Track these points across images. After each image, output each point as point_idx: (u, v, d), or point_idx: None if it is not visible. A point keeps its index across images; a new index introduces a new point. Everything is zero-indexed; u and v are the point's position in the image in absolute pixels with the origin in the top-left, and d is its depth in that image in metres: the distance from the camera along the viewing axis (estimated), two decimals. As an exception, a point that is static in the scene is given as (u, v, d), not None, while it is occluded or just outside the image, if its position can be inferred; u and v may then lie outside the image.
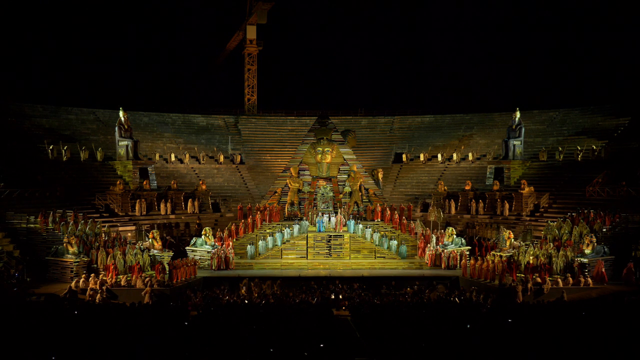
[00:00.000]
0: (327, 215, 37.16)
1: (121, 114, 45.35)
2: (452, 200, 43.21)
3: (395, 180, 51.00)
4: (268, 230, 36.86)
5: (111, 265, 29.34)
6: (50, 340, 16.88)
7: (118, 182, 40.71)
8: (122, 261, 29.76)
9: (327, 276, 31.61)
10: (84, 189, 40.75)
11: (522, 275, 29.19)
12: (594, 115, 49.89)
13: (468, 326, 18.89)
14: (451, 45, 77.59)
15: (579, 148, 44.49)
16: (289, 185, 40.37)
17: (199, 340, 17.53)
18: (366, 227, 36.72)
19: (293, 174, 41.12)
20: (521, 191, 40.58)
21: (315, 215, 37.36)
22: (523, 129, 45.92)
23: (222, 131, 55.97)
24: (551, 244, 31.76)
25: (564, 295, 26.81)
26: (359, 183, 40.35)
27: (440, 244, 34.96)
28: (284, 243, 35.75)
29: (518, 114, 46.34)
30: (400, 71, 78.89)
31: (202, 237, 35.08)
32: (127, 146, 44.73)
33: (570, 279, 28.81)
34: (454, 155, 50.60)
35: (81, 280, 28.38)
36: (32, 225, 32.83)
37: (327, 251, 35.44)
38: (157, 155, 47.97)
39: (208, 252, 34.07)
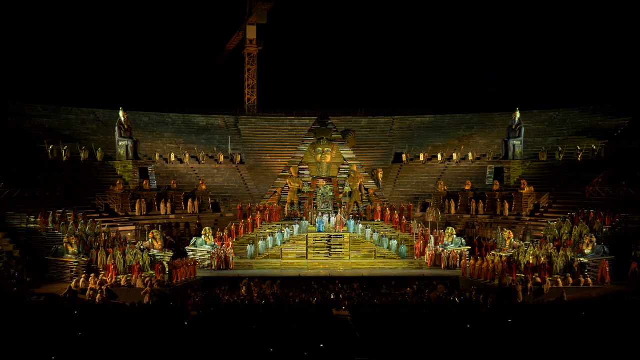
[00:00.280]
0: (327, 215, 37.16)
1: (121, 114, 45.34)
2: (452, 200, 43.20)
3: (395, 180, 51.00)
4: (268, 230, 36.85)
5: (111, 265, 29.34)
6: (50, 340, 16.88)
7: (118, 182, 40.70)
8: (122, 261, 29.76)
9: (327, 276, 31.61)
10: (84, 189, 40.75)
11: (522, 275, 29.19)
12: (594, 115, 49.88)
13: (468, 326, 18.89)
14: (451, 45, 77.66)
15: (579, 148, 44.49)
16: (289, 185, 40.37)
17: (199, 340, 17.53)
18: (366, 227, 36.71)
19: (293, 174, 41.12)
20: (521, 191, 40.58)
21: (315, 215, 37.36)
22: (523, 129, 45.91)
23: (222, 131, 55.97)
24: (551, 244, 31.75)
25: (564, 295, 26.82)
26: (359, 183, 40.35)
27: (440, 244, 34.97)
28: (284, 243, 35.75)
29: (518, 114, 46.34)
30: (400, 71, 78.94)
31: (202, 237, 35.06)
32: (127, 146, 44.72)
33: (570, 279, 28.81)
34: (454, 155, 50.60)
35: (81, 280, 28.39)
36: (32, 225, 32.83)
37: (327, 251, 35.44)
38: (157, 155, 47.96)
39: (208, 252, 34.06)
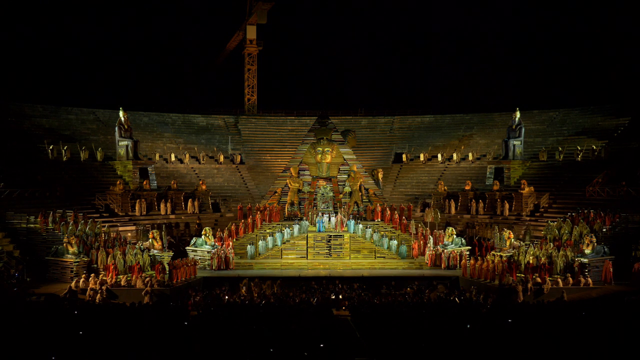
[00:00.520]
0: (327, 215, 37.16)
1: (121, 114, 45.34)
2: (452, 200, 43.19)
3: (395, 180, 51.00)
4: (268, 230, 36.87)
5: (111, 265, 29.34)
6: (50, 340, 16.88)
7: (118, 182, 40.70)
8: (122, 261, 29.77)
9: (327, 276, 31.61)
10: (84, 189, 40.74)
11: (522, 275, 29.20)
12: (594, 115, 49.88)
13: (468, 326, 18.89)
14: (451, 45, 77.60)
15: (579, 148, 44.49)
16: (289, 185, 40.38)
17: (199, 340, 17.53)
18: (366, 227, 36.72)
19: (293, 174, 41.14)
20: (521, 191, 40.58)
21: (315, 215, 37.36)
22: (523, 129, 45.91)
23: (222, 131, 55.96)
24: (551, 244, 31.76)
25: (564, 295, 26.82)
26: (359, 183, 40.37)
27: (440, 244, 34.98)
28: (284, 243, 35.75)
29: (518, 114, 46.33)
30: (400, 71, 78.92)
31: (202, 237, 35.07)
32: (127, 146, 44.72)
33: (570, 279, 28.82)
34: (454, 155, 50.60)
35: (81, 280, 28.39)
36: (32, 225, 32.84)
37: (327, 251, 35.44)
38: (157, 155, 47.96)
39: (208, 252, 34.07)
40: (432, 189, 46.06)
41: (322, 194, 39.27)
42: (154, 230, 33.77)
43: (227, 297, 27.68)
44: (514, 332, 18.43)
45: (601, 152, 43.30)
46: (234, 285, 29.98)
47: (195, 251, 34.53)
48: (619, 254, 30.58)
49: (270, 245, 35.58)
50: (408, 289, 29.36)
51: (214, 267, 33.46)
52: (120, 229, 37.55)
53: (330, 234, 35.73)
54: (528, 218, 39.57)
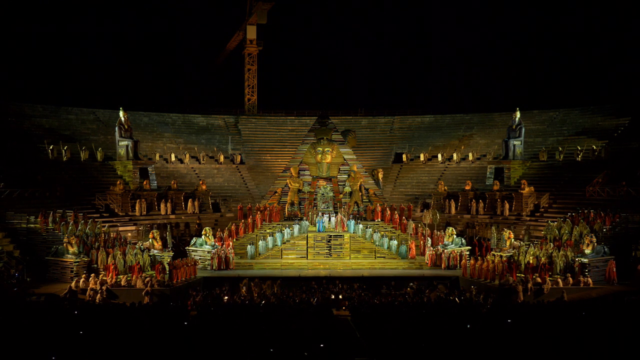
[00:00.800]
0: (327, 215, 37.16)
1: (121, 114, 45.34)
2: (452, 200, 43.17)
3: (395, 180, 51.00)
4: (268, 230, 36.87)
5: (111, 265, 29.34)
6: (50, 340, 16.87)
7: (118, 182, 40.69)
8: (122, 261, 29.77)
9: (327, 276, 31.60)
10: (84, 189, 40.75)
11: (522, 275, 29.19)
12: (594, 115, 49.88)
13: (468, 326, 18.89)
14: (451, 45, 77.63)
15: (579, 148, 44.49)
16: (289, 185, 40.39)
17: (199, 340, 17.53)
18: (366, 227, 36.72)
19: (293, 174, 41.15)
20: (521, 191, 40.57)
21: (315, 215, 37.36)
22: (523, 129, 45.90)
23: (222, 131, 55.96)
24: (551, 244, 31.76)
25: (564, 295, 26.82)
26: (359, 183, 40.38)
27: (440, 244, 35.00)
28: (284, 243, 35.75)
29: (518, 114, 46.33)
30: (400, 71, 78.90)
31: (202, 237, 35.09)
32: (127, 146, 44.72)
33: (570, 279, 28.82)
34: (454, 155, 50.59)
35: (81, 280, 28.40)
36: (32, 225, 32.85)
37: (327, 251, 35.43)
38: (157, 155, 47.96)
39: (208, 252, 34.07)
40: (432, 189, 46.06)
41: (322, 194, 39.27)
42: (154, 230, 33.79)
43: (227, 297, 27.68)
44: (514, 332, 18.42)
45: (601, 152, 43.29)
46: (234, 285, 29.97)
47: (196, 251, 34.54)
48: (619, 254, 30.59)
49: (270, 245, 35.58)
50: (408, 289, 29.35)
51: (214, 267, 33.46)
52: (120, 229, 37.55)
53: (330, 234, 35.73)
54: (528, 218, 39.57)
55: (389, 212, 38.31)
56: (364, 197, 40.62)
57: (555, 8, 68.83)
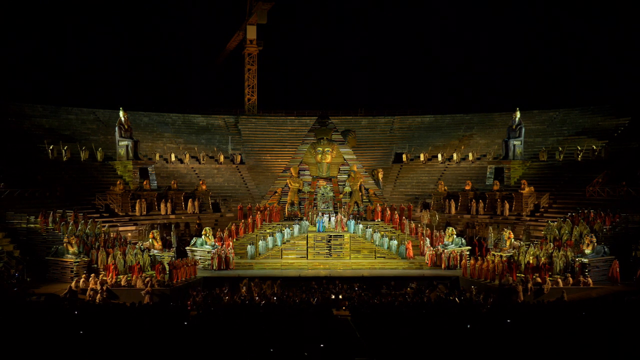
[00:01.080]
0: (327, 215, 37.17)
1: (121, 114, 45.34)
2: (452, 200, 43.16)
3: (395, 180, 50.99)
4: (268, 230, 36.88)
5: (111, 265, 29.35)
6: (50, 340, 16.87)
7: (118, 182, 40.68)
8: (122, 261, 29.78)
9: (327, 276, 31.61)
10: (84, 189, 40.74)
11: (522, 275, 29.19)
12: (594, 115, 49.88)
13: (468, 326, 18.89)
14: (451, 45, 77.61)
15: (579, 148, 44.48)
16: (289, 185, 40.40)
17: (199, 340, 17.53)
18: (366, 227, 36.73)
19: (293, 174, 41.16)
20: (521, 191, 40.56)
21: (315, 215, 37.38)
22: (523, 129, 45.90)
23: (222, 131, 55.96)
24: (551, 244, 31.76)
25: (564, 295, 26.82)
26: (359, 183, 40.39)
27: (440, 244, 35.00)
28: (284, 243, 35.76)
29: (518, 114, 46.32)
30: (400, 71, 78.88)
31: (202, 237, 35.11)
32: (127, 146, 44.72)
33: (570, 279, 28.82)
34: (454, 155, 50.58)
35: (81, 280, 28.40)
36: (32, 225, 32.86)
37: (327, 251, 35.44)
38: (157, 155, 47.96)
39: (208, 252, 34.08)
40: (432, 189, 46.05)
41: (322, 194, 39.28)
42: (155, 230, 33.81)
43: (227, 297, 27.67)
44: (514, 332, 18.42)
45: (601, 152, 43.29)
46: (234, 285, 29.97)
47: (196, 251, 34.55)
48: (619, 254, 30.61)
49: (270, 245, 35.58)
50: (408, 289, 29.35)
51: (214, 267, 33.47)
52: (120, 229, 37.55)
53: (331, 234, 35.73)
54: (528, 218, 39.55)
55: (389, 212, 38.32)
56: (364, 197, 40.63)
57: (555, 8, 68.86)
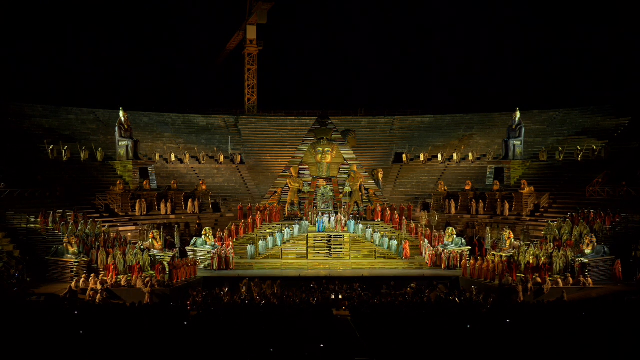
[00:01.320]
0: (327, 215, 37.17)
1: (121, 114, 45.34)
2: (452, 200, 43.14)
3: (395, 180, 50.99)
4: (268, 230, 36.88)
5: (111, 265, 29.35)
6: (50, 340, 16.87)
7: (118, 182, 40.68)
8: (122, 261, 29.78)
9: (327, 276, 31.61)
10: (84, 189, 40.72)
11: (522, 275, 29.20)
12: (594, 115, 49.88)
13: (468, 326, 18.89)
14: (451, 45, 77.57)
15: (579, 148, 44.48)
16: (289, 185, 40.40)
17: (199, 340, 17.53)
18: (366, 227, 36.73)
19: (293, 174, 41.16)
20: (521, 191, 40.56)
21: (315, 215, 37.38)
22: (523, 129, 45.90)
23: (222, 131, 55.95)
24: (551, 244, 31.76)
25: (564, 295, 26.83)
26: (359, 183, 40.39)
27: (440, 244, 35.01)
28: (284, 243, 35.76)
29: (518, 114, 46.32)
30: (400, 71, 78.85)
31: (202, 237, 35.11)
32: (127, 146, 44.72)
33: (570, 279, 28.82)
34: (454, 155, 50.58)
35: (81, 280, 28.40)
36: (32, 225, 32.86)
37: (327, 251, 35.44)
38: (157, 155, 47.95)
39: (208, 252, 34.08)
40: (432, 189, 46.04)
41: (322, 194, 39.29)
42: (155, 230, 33.80)
43: (227, 297, 27.68)
44: (514, 332, 18.42)
45: (601, 152, 43.29)
46: (234, 285, 29.98)
47: (196, 251, 34.55)
48: (619, 254, 30.62)
49: (270, 245, 35.59)
50: (408, 289, 29.35)
51: (214, 267, 33.47)
52: (120, 229, 37.55)
53: (331, 234, 35.73)
54: (528, 218, 39.55)
55: (389, 212, 38.32)
56: (364, 197, 40.63)
57: (555, 8, 68.81)
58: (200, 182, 45.12)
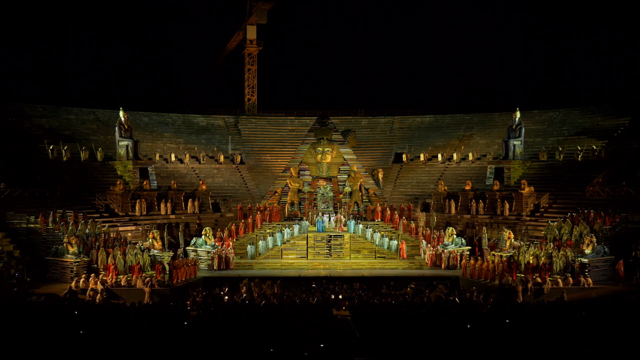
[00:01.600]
0: (327, 215, 37.17)
1: (121, 114, 45.34)
2: (452, 200, 43.14)
3: (395, 180, 51.00)
4: (268, 230, 36.88)
5: (111, 265, 29.35)
6: (50, 340, 16.87)
7: (118, 182, 40.68)
8: (122, 261, 29.77)
9: (327, 276, 31.61)
10: (84, 189, 40.73)
11: (522, 275, 29.19)
12: (594, 115, 49.88)
13: (468, 326, 18.89)
14: (451, 45, 77.59)
15: (579, 148, 44.49)
16: (289, 185, 40.40)
17: (199, 340, 17.53)
18: (366, 227, 36.73)
19: (293, 174, 41.16)
20: (521, 191, 40.56)
21: (315, 215, 37.38)
22: (523, 129, 45.90)
23: (222, 131, 55.96)
24: (551, 244, 31.76)
25: (564, 295, 26.83)
26: (359, 183, 40.39)
27: (440, 244, 35.02)
28: (284, 243, 35.77)
29: (518, 114, 46.32)
30: (400, 71, 78.86)
31: (202, 237, 35.11)
32: (127, 146, 44.72)
33: (570, 279, 28.82)
34: (454, 155, 50.59)
35: (81, 280, 28.40)
36: (32, 225, 32.86)
37: (327, 251, 35.45)
38: (157, 155, 47.96)
39: (208, 252, 34.09)
40: (432, 189, 46.03)
41: (322, 194, 39.29)
42: (154, 230, 33.81)
43: (227, 297, 27.68)
44: (514, 332, 18.43)
45: (601, 152, 43.30)
46: (234, 285, 29.98)
47: (196, 251, 34.55)
48: (619, 254, 30.62)
49: (270, 245, 35.60)
50: (408, 288, 29.35)
51: (214, 267, 33.47)
52: (120, 229, 37.54)
53: (330, 234, 35.74)
54: (528, 218, 39.55)
55: (389, 212, 38.32)
56: (364, 197, 40.63)
57: (555, 8, 68.82)
58: (200, 182, 45.12)
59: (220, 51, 70.83)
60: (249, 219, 37.54)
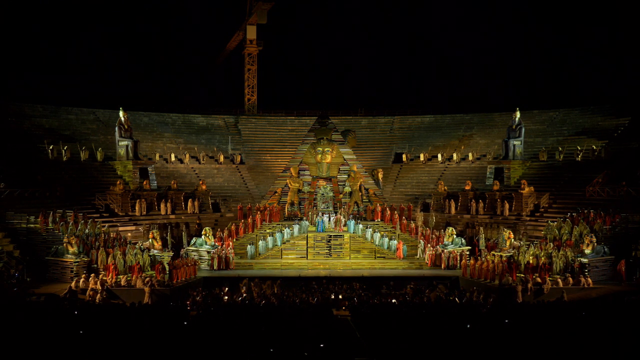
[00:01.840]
0: (327, 215, 37.17)
1: (121, 114, 45.34)
2: (452, 200, 43.14)
3: (395, 180, 51.00)
4: (268, 230, 36.88)
5: (111, 265, 29.35)
6: (50, 340, 16.88)
7: (118, 182, 40.68)
8: (122, 261, 29.77)
9: (327, 276, 31.61)
10: (84, 189, 40.73)
11: (522, 275, 29.20)
12: (594, 115, 49.88)
13: (468, 326, 18.89)
14: (451, 45, 77.56)
15: (579, 148, 44.49)
16: (289, 185, 40.40)
17: (199, 340, 17.53)
18: (366, 227, 36.74)
19: (293, 174, 41.16)
20: (521, 191, 40.56)
21: (315, 215, 37.38)
22: (523, 129, 45.90)
23: (222, 131, 55.96)
24: (551, 244, 31.76)
25: (564, 295, 26.83)
26: (359, 183, 40.39)
27: (440, 243, 35.03)
28: (284, 243, 35.78)
29: (518, 114, 46.32)
30: (400, 71, 78.88)
31: (202, 237, 35.11)
32: (127, 146, 44.72)
33: (570, 279, 28.82)
34: (454, 155, 50.59)
35: (81, 280, 28.41)
36: (32, 225, 32.86)
37: (327, 251, 35.45)
38: (157, 155, 47.95)
39: (208, 252, 34.09)
40: (432, 189, 46.03)
41: (322, 194, 39.29)
42: (154, 230, 33.81)
43: (227, 297, 27.68)
44: (514, 332, 18.43)
45: (601, 152, 43.30)
46: (234, 285, 29.97)
47: (196, 251, 34.55)
48: (619, 254, 30.62)
49: (270, 245, 35.60)
50: (408, 288, 29.34)
51: (214, 267, 33.47)
52: (120, 229, 37.54)
53: (330, 234, 35.74)
54: (528, 218, 39.55)
55: (389, 212, 38.32)
56: (364, 197, 40.63)
57: (555, 8, 68.82)
58: (200, 182, 45.12)
59: (220, 51, 70.83)
60: (249, 219, 37.55)
